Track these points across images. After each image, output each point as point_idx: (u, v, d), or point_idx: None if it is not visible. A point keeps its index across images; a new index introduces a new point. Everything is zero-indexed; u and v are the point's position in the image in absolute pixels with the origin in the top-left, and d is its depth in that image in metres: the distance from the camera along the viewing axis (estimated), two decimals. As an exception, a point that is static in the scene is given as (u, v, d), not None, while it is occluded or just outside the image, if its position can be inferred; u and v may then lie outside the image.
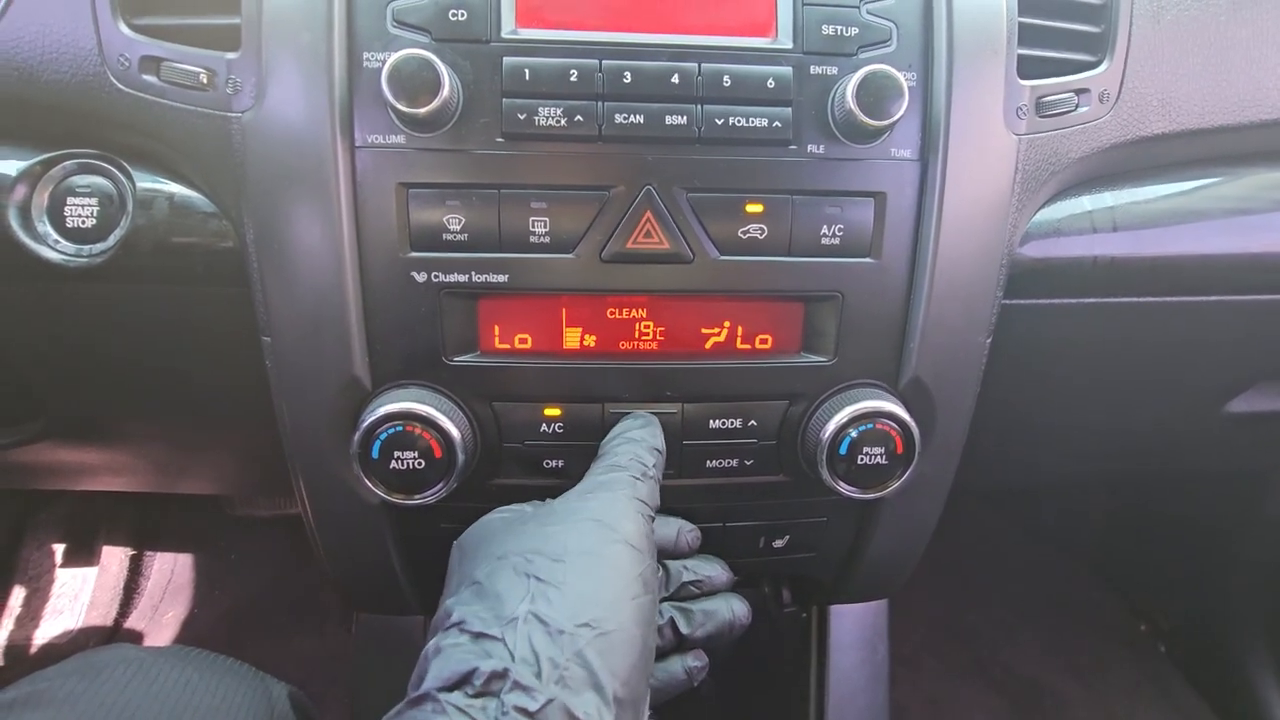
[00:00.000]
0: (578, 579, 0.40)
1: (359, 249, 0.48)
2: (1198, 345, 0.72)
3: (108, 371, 0.64)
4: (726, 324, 0.52)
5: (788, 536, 0.59)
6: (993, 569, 1.63)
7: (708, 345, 0.52)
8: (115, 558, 1.60)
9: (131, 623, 1.55)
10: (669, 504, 0.57)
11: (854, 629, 0.68)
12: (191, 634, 1.49)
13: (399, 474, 0.49)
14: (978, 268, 0.53)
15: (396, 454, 0.49)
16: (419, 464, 0.49)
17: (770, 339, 0.52)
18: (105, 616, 1.53)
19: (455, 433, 0.49)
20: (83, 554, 1.58)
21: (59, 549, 1.53)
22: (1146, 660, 1.47)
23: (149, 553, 1.64)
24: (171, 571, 1.64)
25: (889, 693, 0.68)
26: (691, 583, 0.53)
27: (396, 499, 0.50)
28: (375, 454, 0.49)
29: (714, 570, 0.54)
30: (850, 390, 0.53)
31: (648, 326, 0.51)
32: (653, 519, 0.47)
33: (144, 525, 1.64)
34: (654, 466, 0.49)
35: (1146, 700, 1.40)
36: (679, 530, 0.54)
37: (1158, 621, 1.53)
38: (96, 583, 1.59)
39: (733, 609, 0.53)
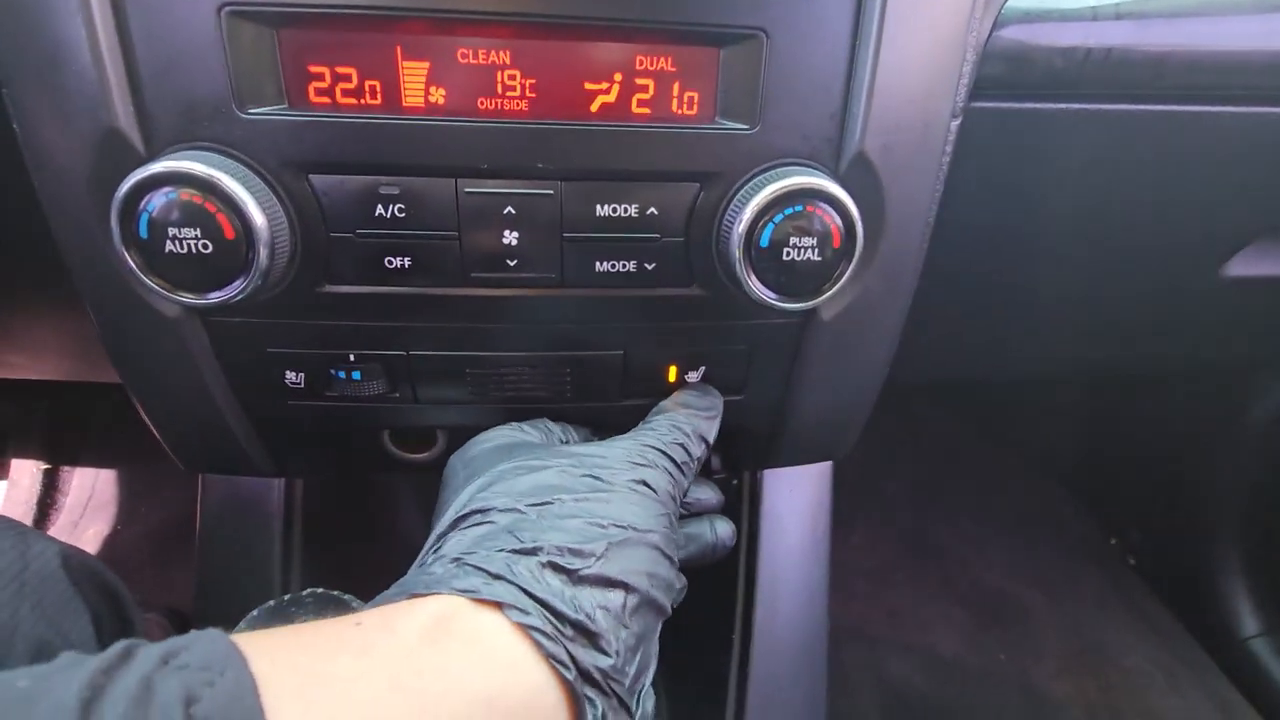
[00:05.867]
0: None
1: (101, -59, 0.35)
2: (1200, 174, 0.61)
3: None
4: (618, 77, 0.40)
5: (703, 368, 0.48)
6: (962, 484, 1.58)
7: (594, 107, 0.40)
8: (26, 472, 1.50)
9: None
10: (551, 320, 0.46)
11: (790, 497, 0.58)
12: (113, 550, 1.40)
13: (180, 260, 0.37)
14: (944, 10, 0.41)
15: (172, 232, 0.36)
16: (205, 247, 0.37)
17: (675, 98, 0.40)
18: (15, 531, 1.43)
19: (252, 207, 0.37)
20: (-13, 468, 1.47)
21: (-40, 462, 1.42)
22: (1114, 573, 1.44)
23: (67, 469, 1.53)
24: (93, 488, 1.54)
25: (828, 570, 0.59)
26: (682, 503, 0.49)
27: (184, 298, 0.38)
28: (144, 231, 0.37)
29: (706, 494, 0.51)
30: (777, 169, 0.41)
31: (513, 77, 0.39)
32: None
33: (58, 439, 1.53)
34: (695, 460, 0.46)
35: (1113, 611, 1.36)
36: None
37: (1127, 535, 1.49)
38: (6, 497, 1.48)
39: (716, 531, 0.50)
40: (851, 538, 1.42)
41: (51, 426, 1.50)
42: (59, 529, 1.48)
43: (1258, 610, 1.30)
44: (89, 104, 0.37)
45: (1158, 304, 0.80)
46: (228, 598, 0.55)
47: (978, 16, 0.43)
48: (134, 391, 0.49)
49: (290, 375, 0.46)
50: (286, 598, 0.46)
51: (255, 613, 0.44)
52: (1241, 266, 0.75)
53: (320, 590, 0.46)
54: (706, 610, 0.50)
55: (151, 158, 0.38)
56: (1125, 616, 1.36)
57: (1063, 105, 0.54)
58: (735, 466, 0.60)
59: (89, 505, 1.52)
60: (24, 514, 1.46)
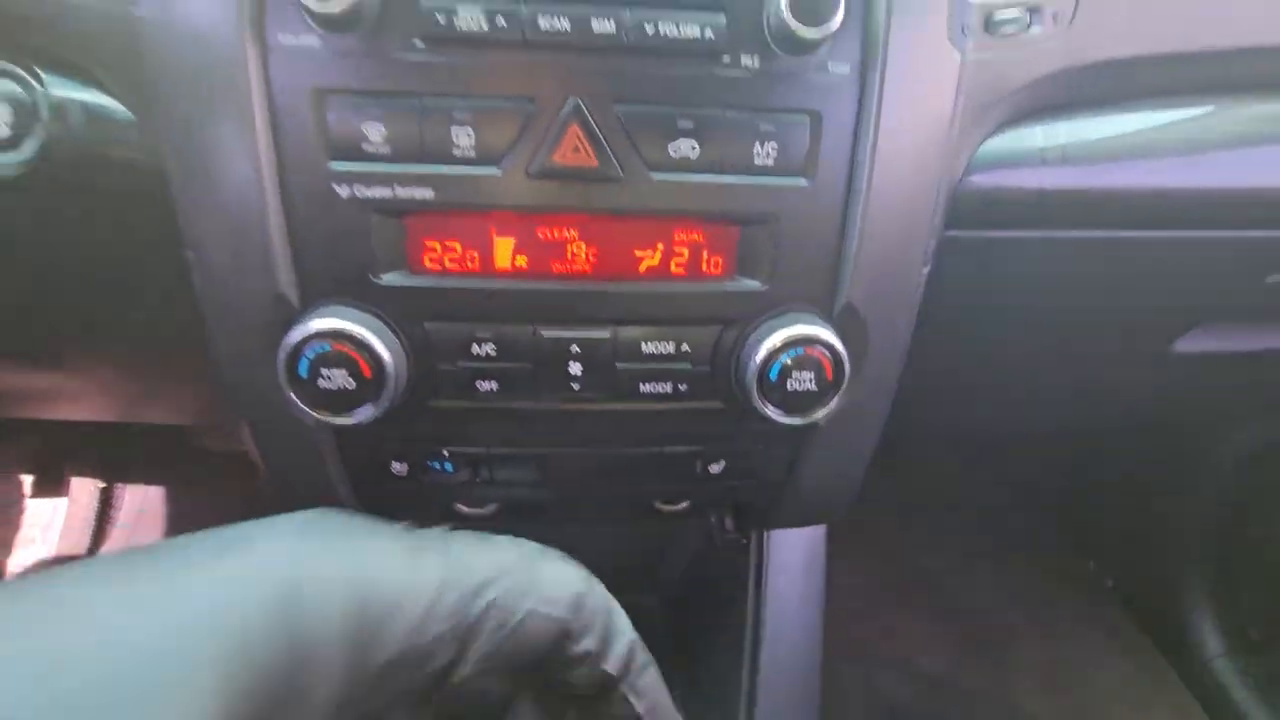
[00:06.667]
0: None
1: (278, 159, 0.46)
2: (1145, 281, 0.73)
3: (35, 294, 0.63)
4: (660, 246, 0.51)
5: (724, 462, 0.60)
6: (952, 514, 1.68)
7: (641, 268, 0.52)
8: (84, 489, 1.61)
9: (106, 551, 1.57)
10: (607, 430, 0.57)
11: (791, 553, 0.70)
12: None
13: (328, 393, 0.49)
14: (916, 193, 0.52)
15: (324, 372, 0.48)
16: (349, 383, 0.49)
17: (704, 263, 0.52)
18: (78, 546, 1.55)
19: (385, 352, 0.48)
20: (50, 486, 1.58)
21: (26, 480, 1.53)
22: (1090, 596, 1.54)
23: (119, 485, 1.64)
24: (142, 504, 1.65)
25: (822, 612, 0.71)
26: None
27: (327, 418, 0.50)
28: (304, 372, 0.48)
29: None
30: (783, 315, 0.53)
31: (579, 247, 0.51)
32: None
33: (112, 459, 1.64)
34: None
35: (1089, 631, 1.47)
36: None
37: (1105, 560, 1.60)
38: (68, 513, 1.59)
39: None
40: (847, 563, 1.53)
41: (107, 452, 1.61)
42: (115, 541, 1.60)
43: (1222, 632, 1.41)
44: (260, 273, 0.49)
45: (1118, 378, 0.91)
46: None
47: (943, 195, 0.54)
48: (269, 469, 0.60)
49: (396, 465, 0.58)
50: None
51: None
52: (1189, 344, 0.87)
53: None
54: (720, 646, 0.61)
55: (303, 310, 0.50)
56: (1100, 637, 1.46)
57: (1024, 233, 0.65)
58: (746, 529, 0.72)
59: (139, 521, 1.63)
60: (83, 529, 1.58)
